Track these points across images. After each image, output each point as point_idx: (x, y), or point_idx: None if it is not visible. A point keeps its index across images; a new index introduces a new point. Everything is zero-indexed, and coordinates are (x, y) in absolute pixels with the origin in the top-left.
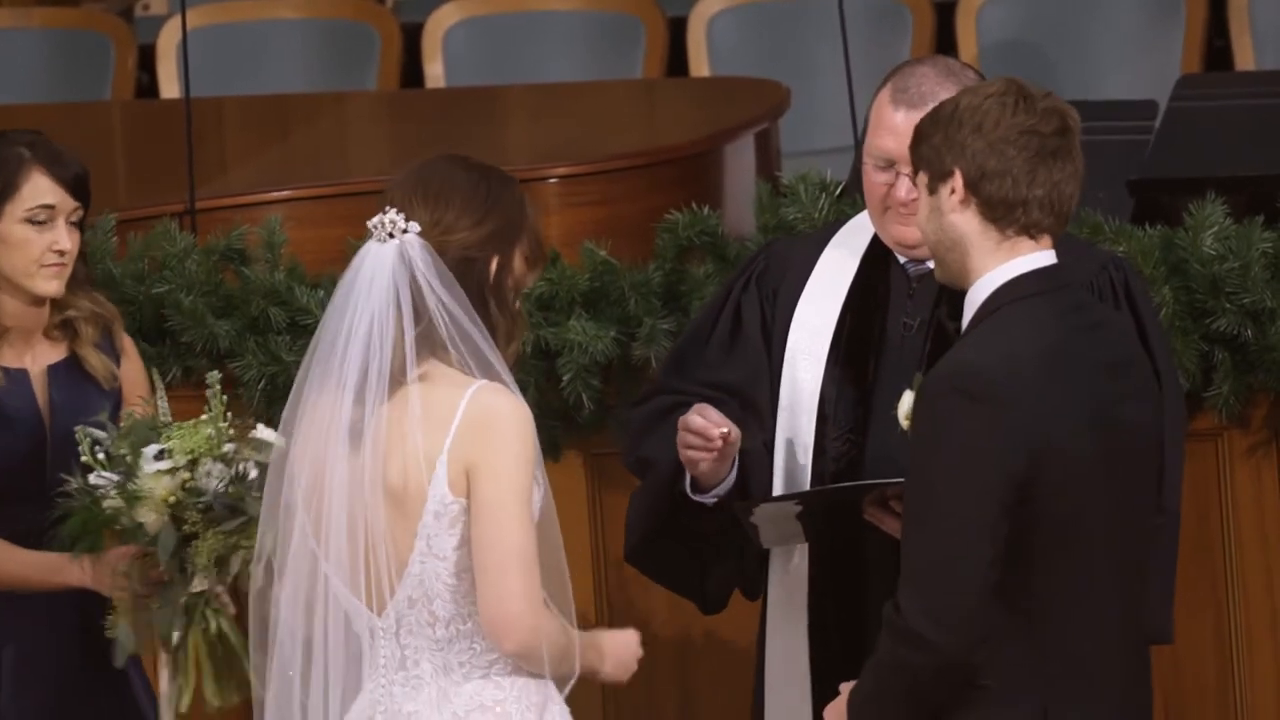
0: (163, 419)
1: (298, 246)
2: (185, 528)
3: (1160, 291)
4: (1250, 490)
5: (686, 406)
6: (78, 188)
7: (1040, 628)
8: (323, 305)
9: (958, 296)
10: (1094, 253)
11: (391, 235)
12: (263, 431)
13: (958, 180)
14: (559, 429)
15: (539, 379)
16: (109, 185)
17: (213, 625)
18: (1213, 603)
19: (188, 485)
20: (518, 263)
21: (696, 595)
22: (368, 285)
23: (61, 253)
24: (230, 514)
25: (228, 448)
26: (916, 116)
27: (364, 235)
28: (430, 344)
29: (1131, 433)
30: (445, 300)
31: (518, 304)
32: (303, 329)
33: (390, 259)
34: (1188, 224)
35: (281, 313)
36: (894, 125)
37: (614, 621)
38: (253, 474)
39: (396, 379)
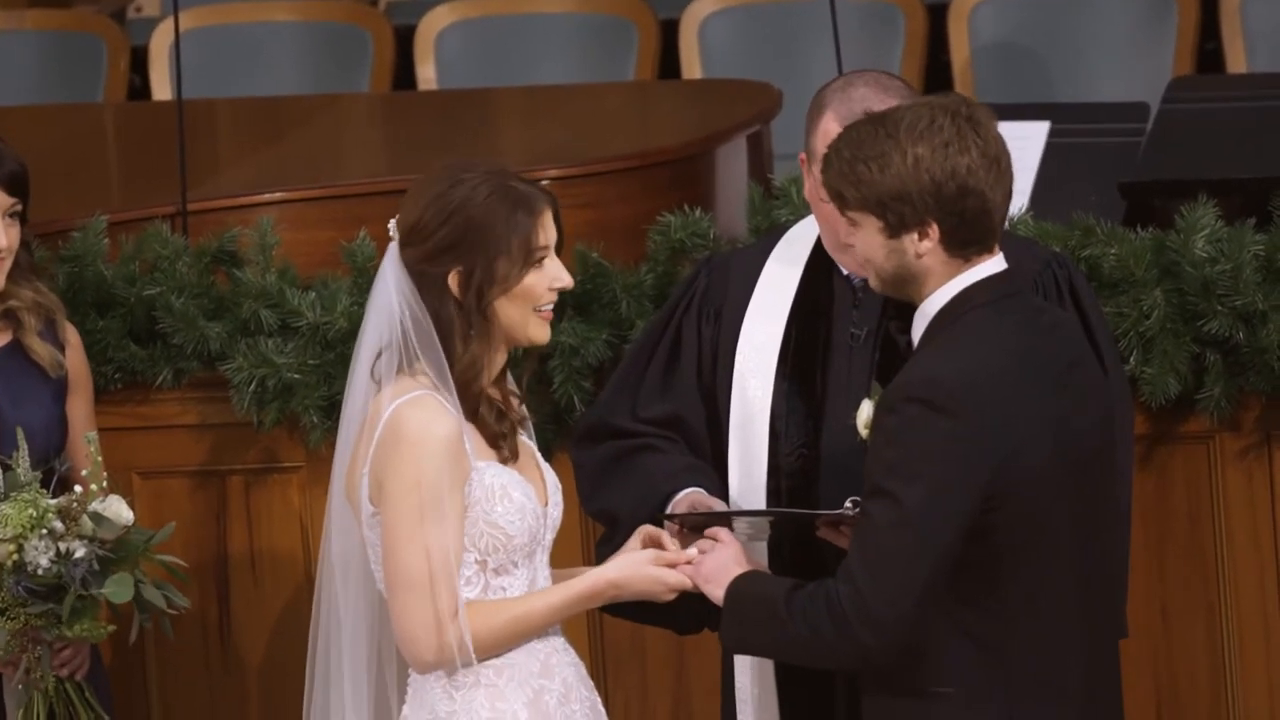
0: (95, 486)
1: (290, 249)
2: None
3: (1152, 294)
4: (1242, 493)
5: (636, 451)
6: (15, 183)
7: (1003, 633)
8: (314, 308)
9: (906, 306)
10: (1036, 250)
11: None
12: (109, 505)
13: (933, 230)
14: (551, 432)
15: (531, 381)
16: (101, 187)
17: (47, 688)
18: (1205, 605)
19: (13, 560)
20: (501, 267)
21: (670, 624)
22: (378, 286)
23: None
24: (39, 598)
25: (56, 525)
26: None
27: (355, 237)
28: (407, 350)
29: (1086, 434)
30: (408, 309)
31: (534, 316)
32: (294, 331)
33: (389, 263)
34: (1179, 227)
35: (273, 315)
36: None
37: (606, 628)
38: (79, 553)
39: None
